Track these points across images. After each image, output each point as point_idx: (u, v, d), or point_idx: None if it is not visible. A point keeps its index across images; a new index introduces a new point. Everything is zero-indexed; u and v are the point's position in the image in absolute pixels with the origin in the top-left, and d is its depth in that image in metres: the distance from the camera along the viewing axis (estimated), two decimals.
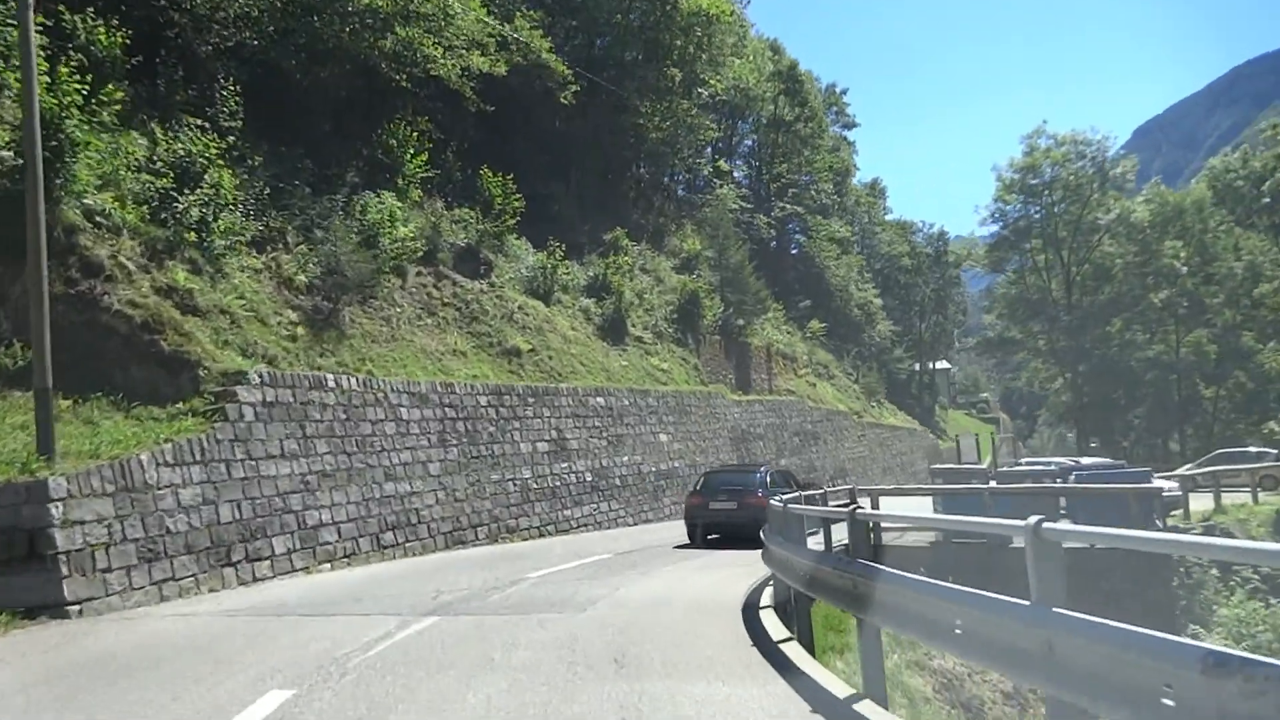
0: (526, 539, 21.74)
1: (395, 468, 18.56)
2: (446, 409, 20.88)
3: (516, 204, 30.60)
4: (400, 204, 24.83)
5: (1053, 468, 23.48)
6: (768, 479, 19.66)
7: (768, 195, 58.45)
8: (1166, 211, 47.01)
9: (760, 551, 12.70)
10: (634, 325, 34.74)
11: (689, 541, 19.22)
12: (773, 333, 46.21)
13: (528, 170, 33.64)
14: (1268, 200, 54.05)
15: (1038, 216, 48.58)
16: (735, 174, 56.28)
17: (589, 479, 25.13)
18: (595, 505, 25.02)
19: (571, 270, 33.91)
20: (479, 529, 20.53)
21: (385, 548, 17.60)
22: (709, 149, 50.47)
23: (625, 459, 27.25)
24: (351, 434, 17.77)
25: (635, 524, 26.50)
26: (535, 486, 22.94)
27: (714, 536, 19.08)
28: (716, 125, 48.86)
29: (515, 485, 22.22)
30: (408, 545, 18.24)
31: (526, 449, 23.11)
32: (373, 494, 17.72)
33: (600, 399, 27.20)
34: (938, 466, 22.97)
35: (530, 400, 23.99)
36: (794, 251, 67.91)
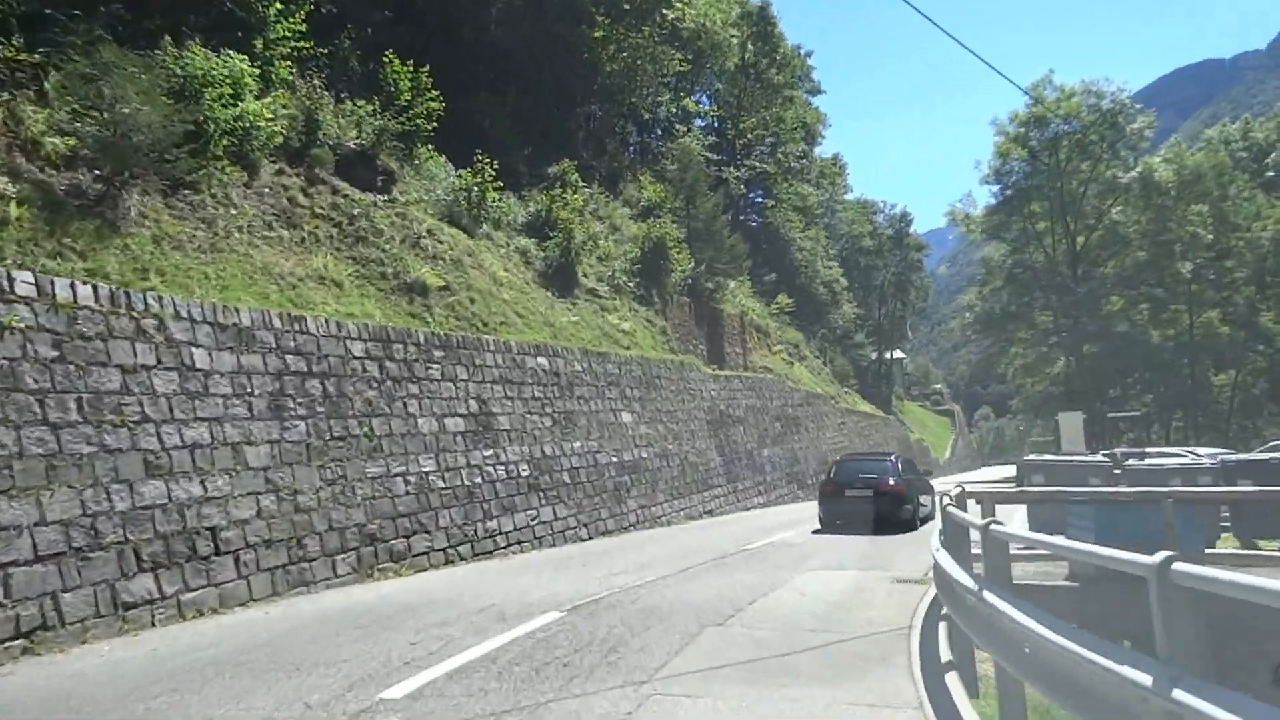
0: (420, 570, 13.28)
1: (168, 453, 9.97)
2: (290, 358, 12.32)
3: (433, 105, 22.02)
4: (253, 69, 16.10)
5: (1204, 461, 15.92)
6: (899, 465, 20.16)
7: (734, 154, 50.41)
8: (1185, 175, 40.21)
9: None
10: (586, 275, 26.39)
11: (820, 527, 19.24)
12: (746, 300, 38.25)
13: (454, 80, 25.04)
14: (1271, 174, 47.75)
15: (1043, 175, 41.26)
16: (699, 122, 48.13)
17: (525, 473, 16.73)
18: (533, 512, 16.61)
19: (507, 202, 25.51)
20: (339, 558, 12.00)
21: (132, 607, 9.02)
22: (671, 92, 42.24)
23: (577, 445, 18.91)
24: (72, 386, 9.16)
25: (590, 535, 18.20)
26: (442, 486, 14.47)
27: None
28: (681, 62, 40.70)
29: (408, 483, 13.74)
30: (189, 598, 9.68)
31: (429, 427, 14.63)
32: (112, 501, 9.14)
33: (543, 360, 18.81)
34: (1033, 459, 15.21)
35: (438, 354, 15.51)
36: (755, 223, 60.43)
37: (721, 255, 33.42)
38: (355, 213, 17.62)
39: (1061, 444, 18.76)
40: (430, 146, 23.24)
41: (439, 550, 13.89)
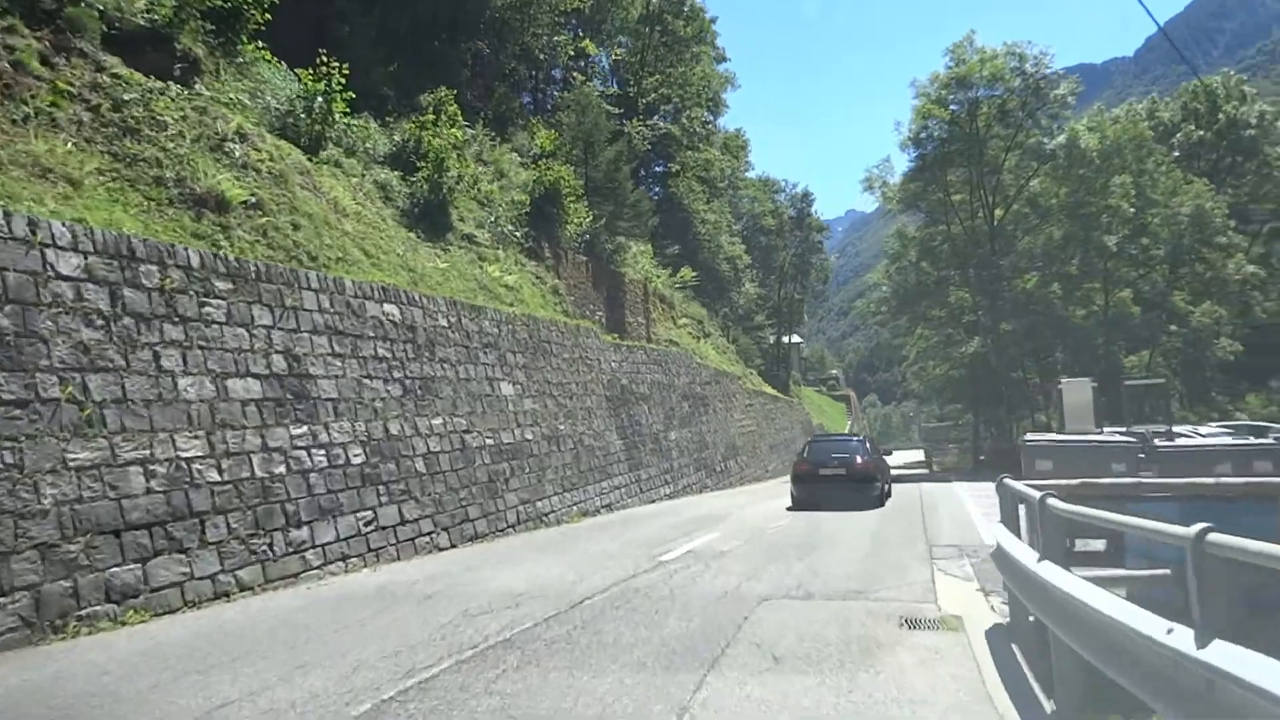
0: (165, 612, 8.31)
1: None
2: None
3: None
4: None
5: (1267, 441, 12.33)
6: (868, 445, 21.55)
7: (636, 112, 45.83)
8: (1107, 145, 37.73)
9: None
10: (463, 219, 21.47)
11: (792, 505, 19.58)
12: (649, 266, 33.86)
13: None
14: (1178, 154, 46.09)
15: (961, 142, 38.07)
16: (599, 83, 43.33)
17: (357, 460, 11.83)
18: (367, 514, 11.73)
19: (366, 127, 20.46)
20: (13, 599, 7.00)
21: None
22: (570, 35, 37.32)
23: (438, 422, 14.07)
24: None
25: (453, 542, 13.45)
26: (217, 479, 9.50)
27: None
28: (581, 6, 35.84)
29: (151, 476, 8.74)
30: None
31: (198, 391, 9.62)
32: None
33: (392, 308, 13.88)
34: (1038, 440, 11.38)
35: (222, 286, 10.46)
36: (657, 194, 56.27)
37: (623, 211, 28.88)
38: (126, 98, 12.32)
39: (1065, 421, 14.96)
40: (263, 46, 17.93)
41: (204, 578, 8.93)
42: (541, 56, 36.24)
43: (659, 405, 26.01)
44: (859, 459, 19.89)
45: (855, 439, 22.49)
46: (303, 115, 17.35)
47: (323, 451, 11.19)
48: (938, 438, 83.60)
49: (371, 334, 13.03)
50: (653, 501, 22.84)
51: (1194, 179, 40.75)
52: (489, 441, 15.44)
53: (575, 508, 18.14)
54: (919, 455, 57.79)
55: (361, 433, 12.05)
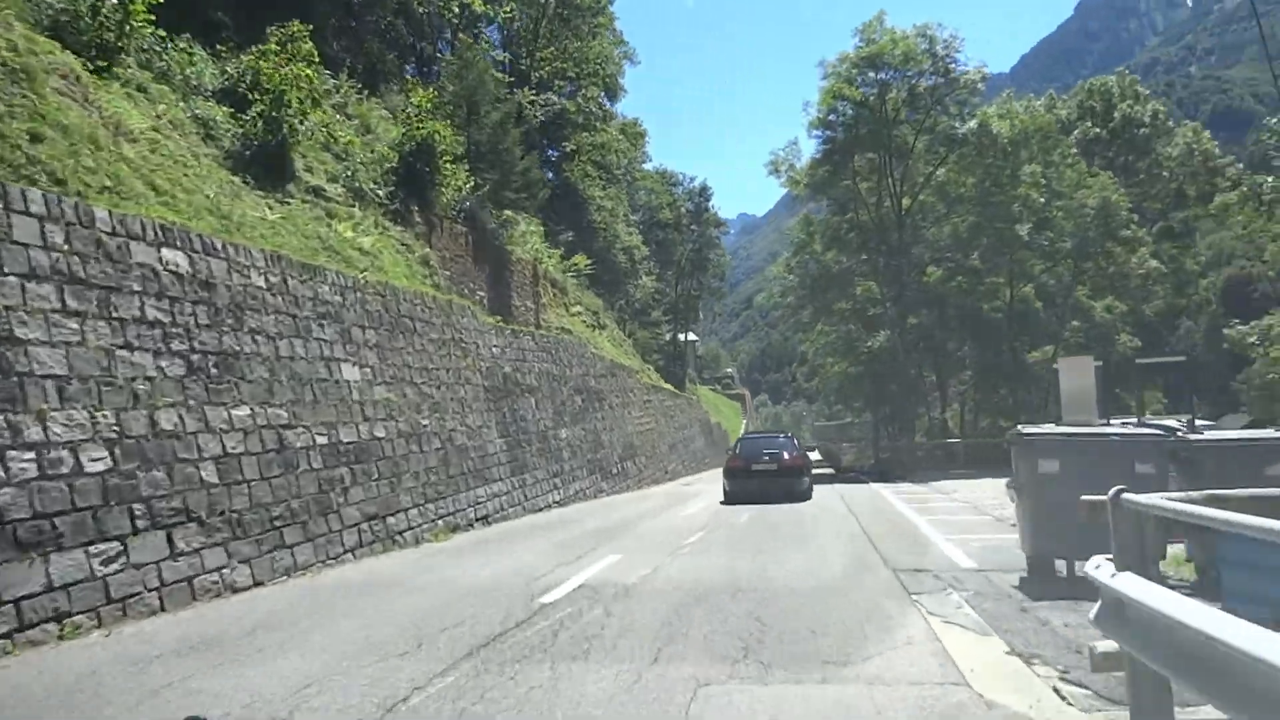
0: None
1: None
2: None
3: None
4: None
5: None
6: (795, 442, 23.10)
7: (529, 84, 42.14)
8: (1016, 134, 36.17)
9: None
10: (310, 170, 17.55)
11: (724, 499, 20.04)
12: (540, 246, 30.30)
13: None
14: (1075, 151, 45.22)
15: (870, 126, 35.80)
16: (488, 46, 39.45)
17: (95, 468, 7.98)
18: (111, 547, 7.89)
19: (190, 52, 16.43)
20: None
21: None
22: None
23: (242, 412, 10.27)
24: None
25: (256, 579, 9.70)
26: None
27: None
28: None
29: None
30: None
31: None
32: None
33: (177, 256, 9.97)
34: (1039, 432, 8.53)
35: None
36: (551, 178, 52.86)
37: (510, 180, 25.27)
38: None
39: (1063, 410, 12.23)
40: None
41: None
42: (422, 11, 32.24)
43: (548, 399, 22.53)
44: (787, 455, 21.05)
45: (783, 436, 24.09)
46: (86, 18, 13.24)
47: (30, 455, 7.33)
48: (830, 436, 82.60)
49: (138, 288, 9.15)
50: (540, 510, 19.36)
51: (1098, 172, 39.67)
52: (321, 440, 11.69)
53: (441, 522, 14.50)
54: (814, 455, 55.76)
55: (107, 427, 8.20)
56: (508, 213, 26.75)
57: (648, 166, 75.03)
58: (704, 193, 76.13)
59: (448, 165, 22.07)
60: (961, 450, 33.97)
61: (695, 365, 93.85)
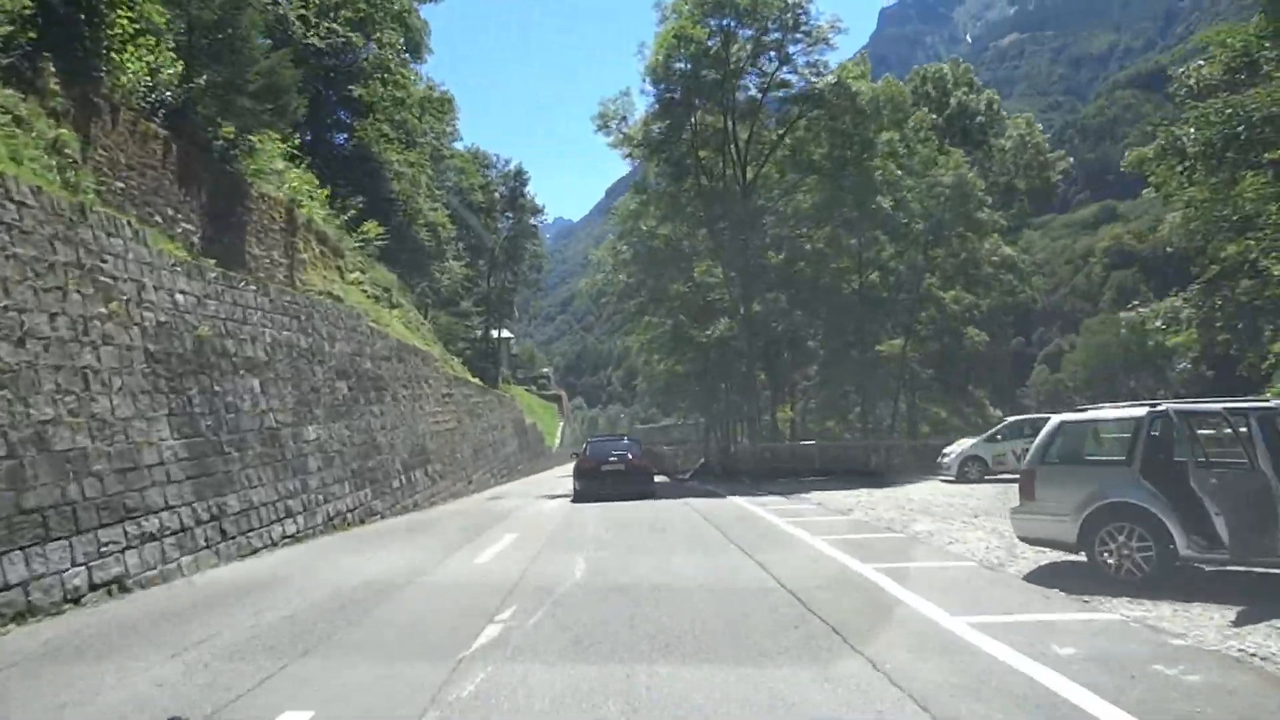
0: None
1: None
2: None
3: None
4: None
5: None
6: (640, 444, 25.82)
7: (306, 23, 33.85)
8: (872, 99, 31.68)
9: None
10: None
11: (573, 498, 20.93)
12: (300, 184, 22.46)
13: None
14: (933, 119, 41.77)
15: (712, 82, 30.20)
16: None
17: None
18: None
19: None
20: None
21: None
22: None
23: None
24: None
25: None
26: None
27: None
28: None
29: None
30: None
31: None
32: None
33: None
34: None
35: None
36: (341, 142, 44.61)
37: (244, 82, 17.47)
38: None
39: None
40: None
41: None
42: None
43: (288, 382, 15.06)
44: (633, 456, 22.64)
45: (628, 439, 25.98)
46: None
47: None
48: (652, 440, 77.61)
49: None
50: (252, 554, 11.96)
51: (950, 150, 36.04)
52: None
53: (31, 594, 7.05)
54: None
55: None
56: (253, 142, 18.94)
57: (459, 146, 67.46)
58: (520, 176, 69.31)
59: (128, 27, 14.23)
60: (818, 453, 28.92)
61: (510, 364, 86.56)
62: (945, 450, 24.24)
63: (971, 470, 22.89)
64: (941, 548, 10.79)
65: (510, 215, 69.37)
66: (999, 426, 23.67)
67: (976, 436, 24.31)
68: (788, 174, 32.50)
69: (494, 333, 72.34)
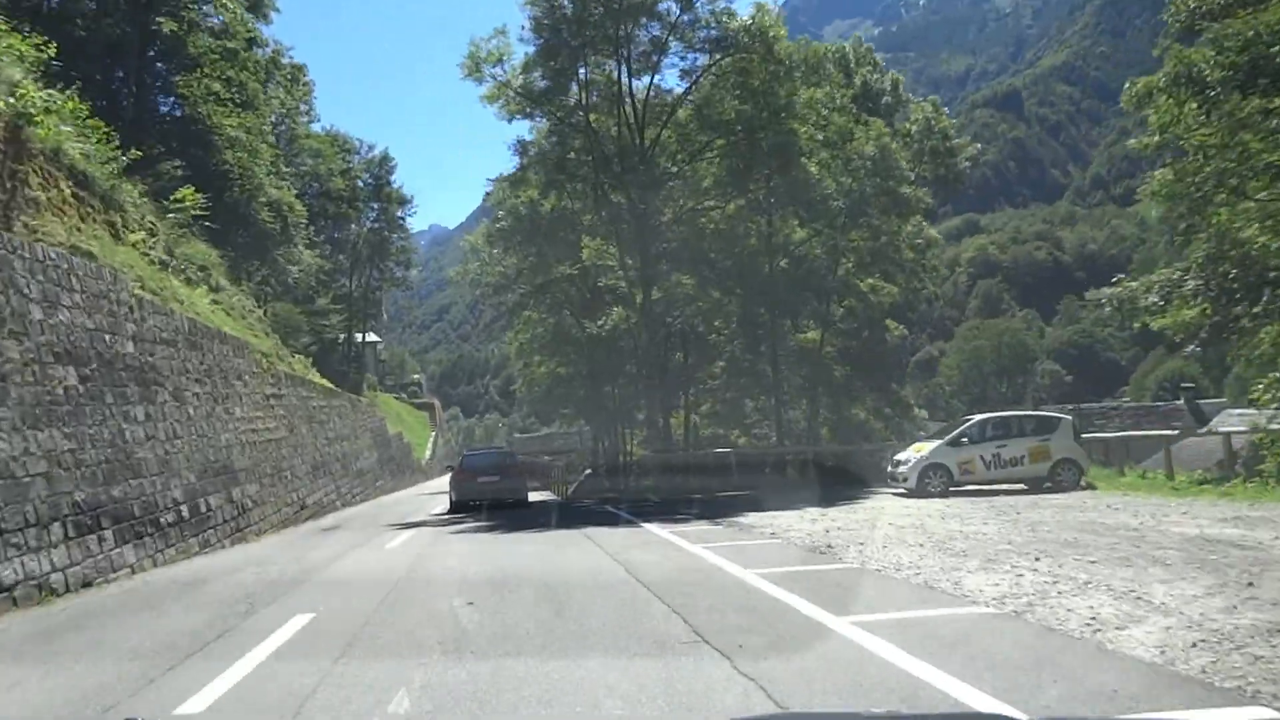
0: None
1: None
2: None
3: None
4: None
5: None
6: (515, 455, 27.08)
7: None
8: (788, 53, 27.02)
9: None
10: None
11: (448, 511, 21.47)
12: (35, 95, 15.77)
13: None
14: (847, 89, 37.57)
15: (600, 16, 24.76)
16: None
17: None
18: None
19: None
20: None
21: None
22: None
23: None
24: None
25: None
26: None
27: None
28: None
29: None
30: None
31: None
32: None
33: None
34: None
35: None
36: (162, 101, 37.47)
37: None
38: None
39: None
40: None
41: None
42: None
43: None
44: (507, 465, 23.64)
45: (502, 450, 29.09)
46: None
47: None
48: (532, 450, 71.44)
49: None
50: None
51: (868, 119, 31.83)
52: None
53: None
54: None
55: None
56: None
57: (317, 128, 59.83)
58: (385, 164, 62.28)
59: None
60: (735, 462, 23.82)
61: (378, 370, 78.79)
62: (898, 457, 19.58)
63: (934, 481, 18.26)
64: (1100, 645, 5.65)
65: (375, 206, 62.19)
66: (964, 426, 19.12)
67: (932, 439, 19.69)
68: (694, 136, 27.43)
69: (358, 335, 64.89)
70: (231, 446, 17.49)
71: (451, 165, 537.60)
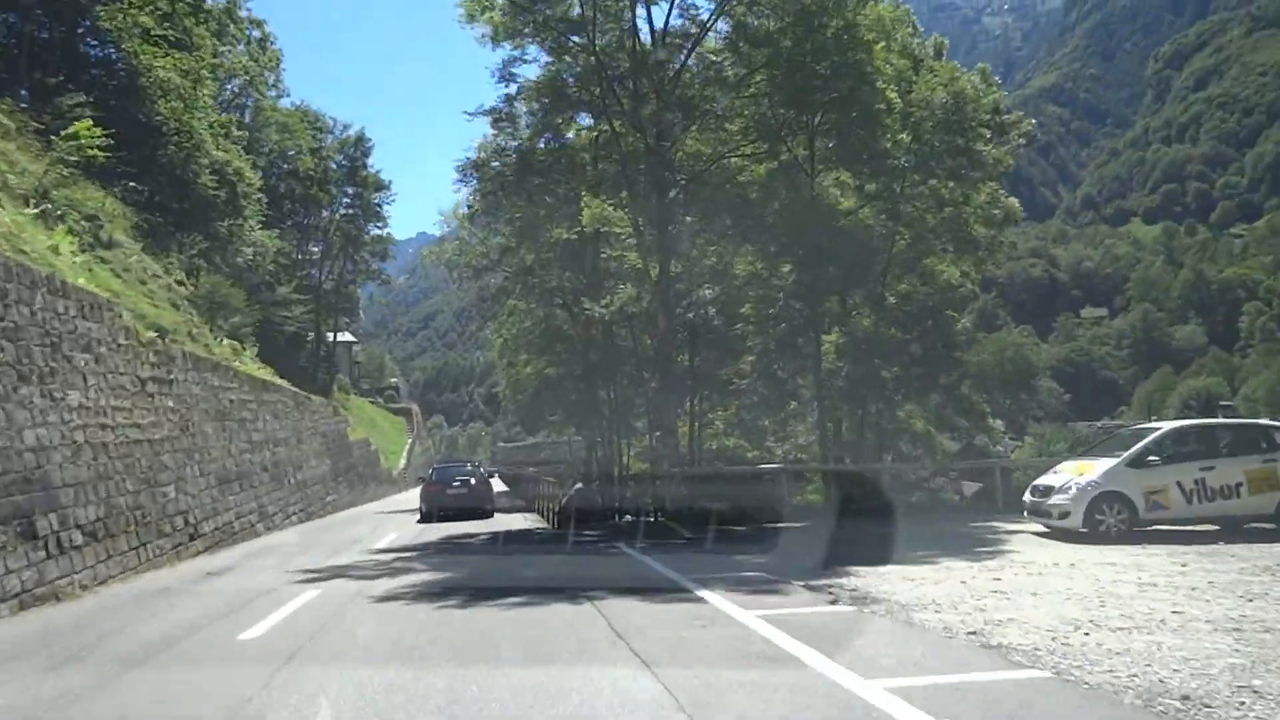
0: None
1: None
2: None
3: None
4: None
5: None
6: (481, 469, 28.77)
7: None
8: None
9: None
10: None
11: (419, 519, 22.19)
12: None
13: None
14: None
15: None
16: None
17: None
18: None
19: None
20: None
21: None
22: None
23: None
24: None
25: None
26: None
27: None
28: None
29: None
30: None
31: None
32: None
33: None
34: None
35: None
36: (93, 45, 31.20)
37: None
38: None
39: None
40: None
41: None
42: None
43: None
44: (474, 480, 24.55)
45: (470, 464, 29.26)
46: None
47: None
48: (516, 460, 64.71)
49: None
50: None
51: (938, 62, 25.74)
52: None
53: None
54: (497, 486, 36.72)
55: None
56: None
57: (286, 103, 53.37)
58: (361, 144, 55.69)
59: None
60: (786, 482, 17.46)
61: (352, 372, 72.04)
62: (1044, 482, 13.28)
63: (1110, 518, 12.00)
64: None
65: (350, 191, 55.69)
66: (1150, 438, 12.74)
67: (1106, 457, 13.24)
68: (728, 69, 21.15)
69: (329, 334, 58.22)
70: (48, 449, 11.02)
71: (440, 174, 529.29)
